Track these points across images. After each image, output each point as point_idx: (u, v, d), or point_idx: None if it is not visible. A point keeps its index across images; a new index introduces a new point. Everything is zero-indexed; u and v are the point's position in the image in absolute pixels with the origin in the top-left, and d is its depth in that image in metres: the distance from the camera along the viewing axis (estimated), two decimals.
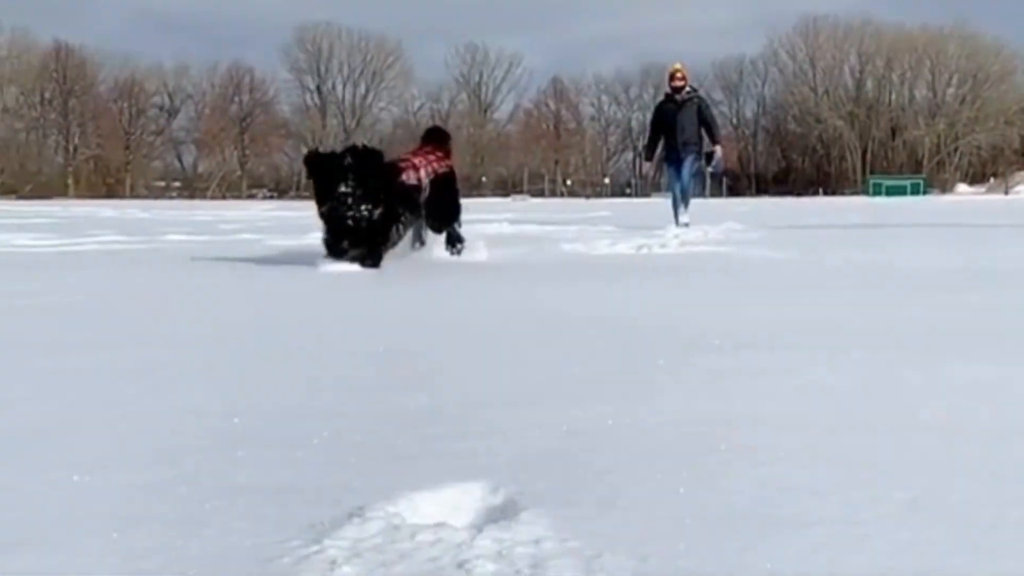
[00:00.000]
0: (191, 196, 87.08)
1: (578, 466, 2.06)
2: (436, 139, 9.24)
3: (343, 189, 7.57)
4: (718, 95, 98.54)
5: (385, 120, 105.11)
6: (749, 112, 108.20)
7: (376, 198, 7.69)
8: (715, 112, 16.55)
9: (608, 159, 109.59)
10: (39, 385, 3.05)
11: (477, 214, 22.93)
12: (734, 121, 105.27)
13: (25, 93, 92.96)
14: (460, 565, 1.50)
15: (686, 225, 14.06)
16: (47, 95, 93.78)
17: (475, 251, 8.83)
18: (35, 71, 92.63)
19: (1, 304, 5.57)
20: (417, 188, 8.19)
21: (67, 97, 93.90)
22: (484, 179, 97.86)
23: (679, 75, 14.98)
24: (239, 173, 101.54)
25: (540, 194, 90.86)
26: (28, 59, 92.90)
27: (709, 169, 16.11)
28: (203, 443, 2.28)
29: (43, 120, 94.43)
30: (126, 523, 1.73)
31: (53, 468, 2.08)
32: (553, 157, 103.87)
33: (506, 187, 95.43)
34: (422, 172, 8.31)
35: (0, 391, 2.94)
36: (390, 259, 7.90)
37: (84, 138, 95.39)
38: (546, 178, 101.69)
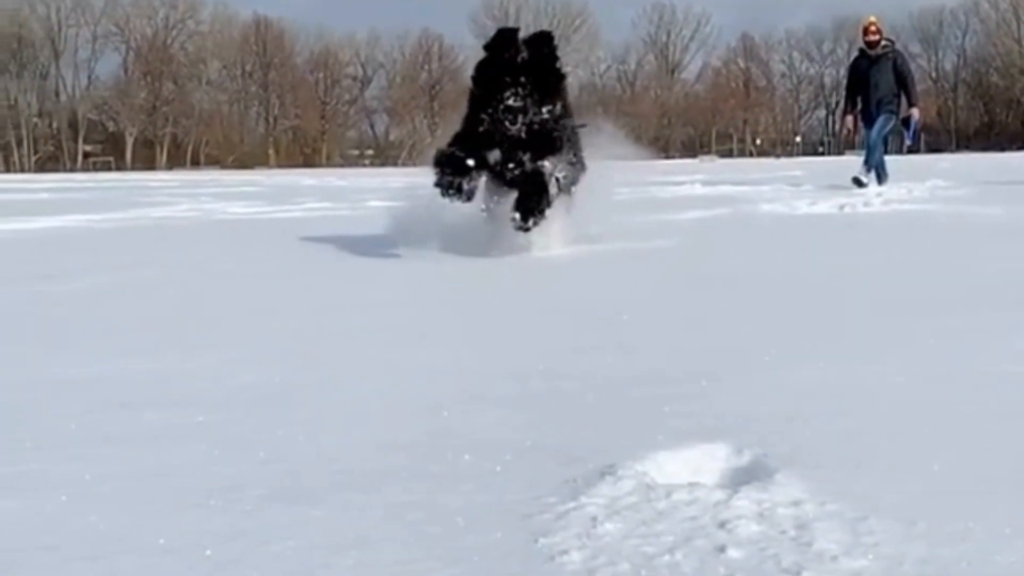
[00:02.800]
0: (383, 164, 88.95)
1: (819, 427, 2.03)
2: None
3: (512, 103, 5.59)
4: (916, 48, 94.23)
5: (571, 84, 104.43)
6: (949, 65, 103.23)
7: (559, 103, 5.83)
8: (912, 67, 15.73)
9: (800, 117, 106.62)
10: (279, 346, 3.20)
11: (667, 176, 22.70)
12: (933, 75, 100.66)
13: (227, 66, 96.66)
14: (721, 525, 1.50)
15: (860, 184, 13.34)
16: (248, 68, 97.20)
17: (671, 213, 8.70)
18: (236, 45, 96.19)
19: (228, 269, 5.85)
20: None
21: (267, 69, 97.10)
22: (671, 140, 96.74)
23: (873, 28, 14.39)
24: (429, 140, 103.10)
25: (728, 154, 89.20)
26: (229, 33, 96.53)
27: (907, 140, 15.25)
28: (443, 401, 2.34)
29: (244, 92, 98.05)
30: (383, 477, 1.79)
31: (305, 423, 2.18)
32: (742, 116, 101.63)
33: (694, 148, 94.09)
34: None
35: (245, 351, 3.10)
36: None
37: (283, 109, 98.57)
38: (735, 137, 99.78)
